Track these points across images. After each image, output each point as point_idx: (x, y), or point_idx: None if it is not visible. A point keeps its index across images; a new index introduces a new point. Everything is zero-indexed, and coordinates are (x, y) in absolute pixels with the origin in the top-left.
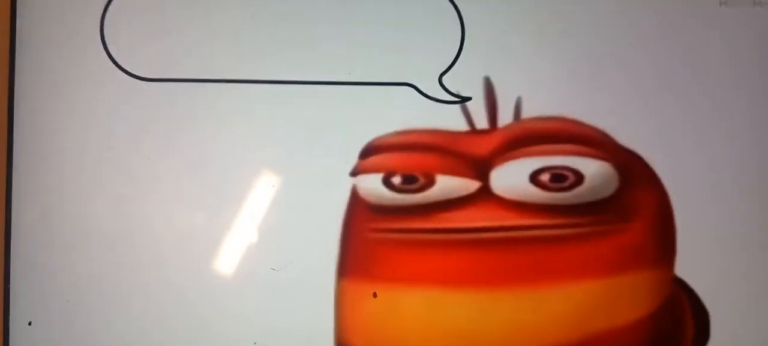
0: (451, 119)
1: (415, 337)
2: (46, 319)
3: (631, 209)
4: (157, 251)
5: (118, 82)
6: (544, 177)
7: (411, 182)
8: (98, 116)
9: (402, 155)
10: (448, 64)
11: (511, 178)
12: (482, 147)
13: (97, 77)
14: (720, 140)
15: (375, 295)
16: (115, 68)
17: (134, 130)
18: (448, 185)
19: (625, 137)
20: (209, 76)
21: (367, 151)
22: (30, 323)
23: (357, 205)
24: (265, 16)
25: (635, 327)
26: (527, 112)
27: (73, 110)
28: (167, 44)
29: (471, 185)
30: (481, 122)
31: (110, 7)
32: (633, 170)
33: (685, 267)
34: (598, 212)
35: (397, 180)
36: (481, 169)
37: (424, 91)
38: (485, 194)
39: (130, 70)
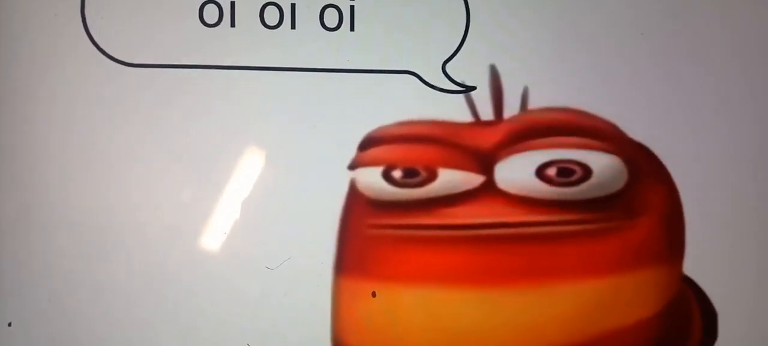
0: (455, 110)
1: (416, 337)
2: (26, 319)
3: (640, 204)
4: (144, 247)
5: (100, 67)
6: (551, 171)
7: (412, 176)
8: (79, 103)
9: (403, 147)
10: (452, 51)
11: (517, 172)
12: (487, 139)
13: (78, 61)
14: (732, 135)
15: (374, 294)
16: (98, 52)
17: (117, 119)
18: (450, 179)
19: (634, 130)
20: (197, 61)
21: (366, 143)
22: (9, 325)
23: (355, 200)
24: None
25: (642, 327)
26: (534, 103)
27: (54, 96)
28: (152, 27)
29: (474, 179)
30: (486, 113)
31: None
32: (642, 165)
33: (693, 265)
34: (605, 207)
35: (397, 174)
36: (485, 162)
37: (427, 79)
38: (489, 188)
39: (113, 55)
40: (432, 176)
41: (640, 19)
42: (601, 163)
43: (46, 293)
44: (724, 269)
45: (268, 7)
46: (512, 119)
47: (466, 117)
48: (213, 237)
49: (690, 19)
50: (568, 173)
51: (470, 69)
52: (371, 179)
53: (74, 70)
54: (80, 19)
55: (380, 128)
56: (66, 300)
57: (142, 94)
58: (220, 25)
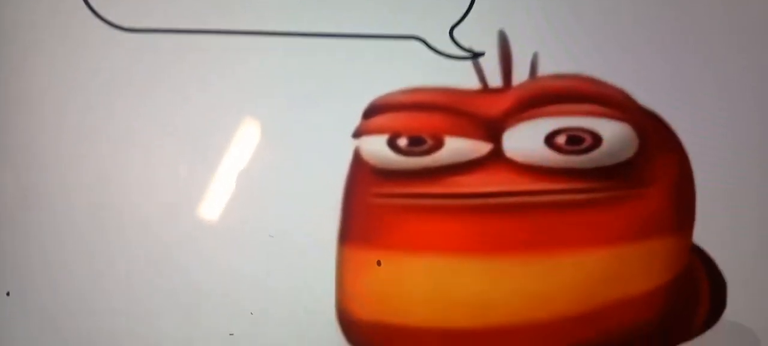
0: (462, 76)
1: (421, 306)
2: (24, 288)
3: (650, 173)
4: (143, 218)
5: (96, 33)
6: (560, 139)
7: (418, 144)
8: (75, 71)
9: (408, 115)
10: (460, 16)
11: (525, 140)
12: (495, 107)
13: (73, 27)
14: (746, 103)
15: (379, 263)
16: (93, 16)
17: (114, 89)
18: (457, 147)
19: (645, 97)
20: (196, 26)
21: (371, 111)
22: (8, 294)
23: (360, 168)
24: None
25: (650, 297)
26: (544, 69)
27: (48, 63)
28: None
29: (482, 148)
30: (495, 80)
31: None
32: (653, 133)
33: (703, 235)
34: (615, 176)
35: (402, 142)
36: (493, 130)
37: (433, 45)
38: (497, 156)
39: (109, 19)
40: (438, 144)
41: None
42: (612, 131)
43: (44, 265)
44: (733, 238)
45: None
46: (521, 86)
47: (474, 84)
48: (214, 208)
49: None
50: (578, 140)
51: (478, 34)
52: (376, 148)
53: (69, 36)
54: None
55: (385, 95)
56: (64, 276)
57: (138, 62)
58: None
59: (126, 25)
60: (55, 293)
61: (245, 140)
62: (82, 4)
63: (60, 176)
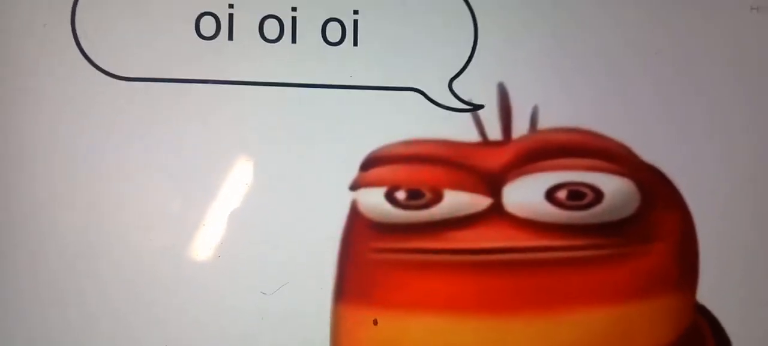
0: (462, 129)
1: None
2: (15, 327)
3: (653, 229)
4: (134, 269)
5: (91, 81)
6: (561, 194)
7: (417, 198)
8: (69, 117)
9: (407, 168)
10: (460, 68)
11: (526, 194)
12: (495, 160)
13: (67, 74)
14: (748, 159)
15: (375, 322)
16: (88, 65)
17: (109, 137)
18: (456, 201)
19: (647, 152)
20: (193, 75)
21: (369, 163)
22: None
23: (357, 222)
24: (253, 11)
25: None
26: (544, 123)
27: (42, 109)
28: (146, 39)
29: (482, 202)
30: (494, 133)
31: None
32: (655, 188)
33: (707, 294)
34: (617, 232)
35: (401, 195)
36: (493, 184)
37: (433, 97)
38: (497, 211)
39: (104, 68)
40: (437, 198)
41: (656, 37)
42: (613, 187)
43: (34, 308)
44: (739, 298)
45: (268, 20)
46: (521, 139)
47: (474, 137)
48: (206, 260)
49: (710, 36)
50: (579, 196)
51: (478, 87)
52: (374, 201)
53: (64, 83)
54: (70, 29)
55: (384, 147)
56: (55, 320)
57: (135, 110)
58: (217, 38)
59: (121, 73)
60: (49, 332)
61: (241, 191)
62: (77, 50)
63: (52, 220)
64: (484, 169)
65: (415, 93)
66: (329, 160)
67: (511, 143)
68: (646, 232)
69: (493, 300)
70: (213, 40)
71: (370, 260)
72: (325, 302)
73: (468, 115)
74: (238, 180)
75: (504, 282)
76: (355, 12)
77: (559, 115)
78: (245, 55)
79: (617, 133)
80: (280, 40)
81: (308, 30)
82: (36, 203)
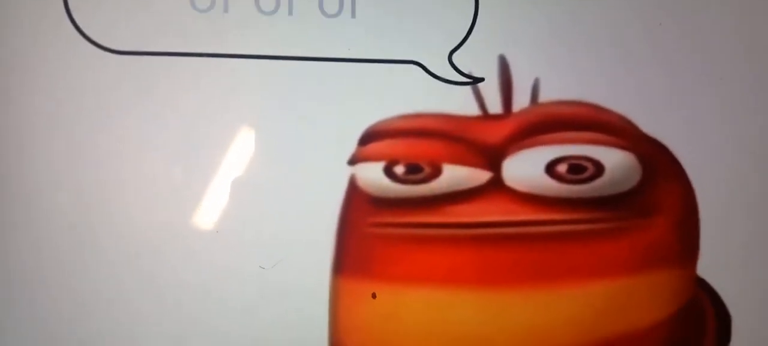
0: (462, 102)
1: (418, 342)
2: (17, 294)
3: (654, 203)
4: (132, 248)
5: (84, 54)
6: (562, 168)
7: (415, 172)
8: (63, 93)
9: (406, 142)
10: (459, 40)
11: (526, 168)
12: (495, 134)
13: (60, 48)
14: (752, 132)
15: (374, 295)
16: (81, 38)
17: (103, 112)
18: (456, 175)
19: (649, 125)
20: (188, 48)
21: (368, 137)
22: None
23: (355, 196)
24: None
25: (654, 330)
26: (545, 96)
27: (36, 84)
28: (140, 12)
29: (481, 176)
30: (495, 106)
31: None
32: (657, 161)
33: (707, 267)
34: (618, 206)
35: (400, 169)
36: (492, 158)
37: (432, 70)
38: (496, 185)
39: (98, 41)
40: (436, 172)
41: (660, 9)
42: (614, 160)
43: (29, 293)
44: (739, 271)
45: None
46: (522, 113)
47: (474, 110)
48: (204, 236)
49: (718, 6)
50: (580, 169)
51: (478, 59)
52: (372, 175)
53: (57, 56)
54: (62, 2)
55: (382, 121)
56: (53, 303)
57: (129, 84)
58: (212, 10)
59: (114, 46)
60: (50, 302)
61: (238, 166)
62: (70, 24)
63: (49, 198)
64: (484, 143)
65: (415, 66)
66: (327, 134)
67: (511, 117)
68: (647, 205)
69: (492, 274)
70: (208, 12)
71: (369, 234)
72: (323, 276)
73: (468, 88)
74: (235, 155)
75: (503, 256)
76: None
77: (561, 88)
78: (241, 28)
79: (619, 106)
80: (276, 12)
81: (305, 1)
82: (28, 177)
